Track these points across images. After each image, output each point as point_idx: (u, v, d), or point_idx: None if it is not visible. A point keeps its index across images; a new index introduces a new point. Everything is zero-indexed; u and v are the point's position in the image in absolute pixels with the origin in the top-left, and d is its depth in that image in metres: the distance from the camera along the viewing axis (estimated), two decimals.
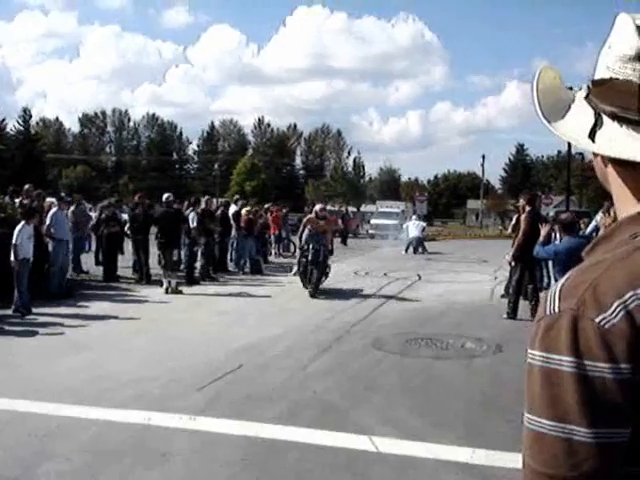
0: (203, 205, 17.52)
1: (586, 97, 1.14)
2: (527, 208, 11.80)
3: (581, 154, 54.89)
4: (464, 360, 8.59)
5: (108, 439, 5.48)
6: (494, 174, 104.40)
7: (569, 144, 31.17)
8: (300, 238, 15.27)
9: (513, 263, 11.42)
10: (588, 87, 1.14)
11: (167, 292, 14.03)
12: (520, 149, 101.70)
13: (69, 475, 4.74)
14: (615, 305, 0.96)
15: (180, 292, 14.15)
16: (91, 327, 10.26)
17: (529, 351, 1.04)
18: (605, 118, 1.09)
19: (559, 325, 0.99)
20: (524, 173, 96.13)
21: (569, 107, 1.16)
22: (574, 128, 1.13)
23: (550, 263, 11.80)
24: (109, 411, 6.09)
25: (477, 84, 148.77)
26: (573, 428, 0.96)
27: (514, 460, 4.82)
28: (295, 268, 15.90)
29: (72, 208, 17.06)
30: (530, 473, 1.01)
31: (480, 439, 5.57)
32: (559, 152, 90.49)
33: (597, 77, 1.12)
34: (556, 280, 7.98)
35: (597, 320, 0.96)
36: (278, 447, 5.32)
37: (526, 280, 11.81)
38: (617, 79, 1.07)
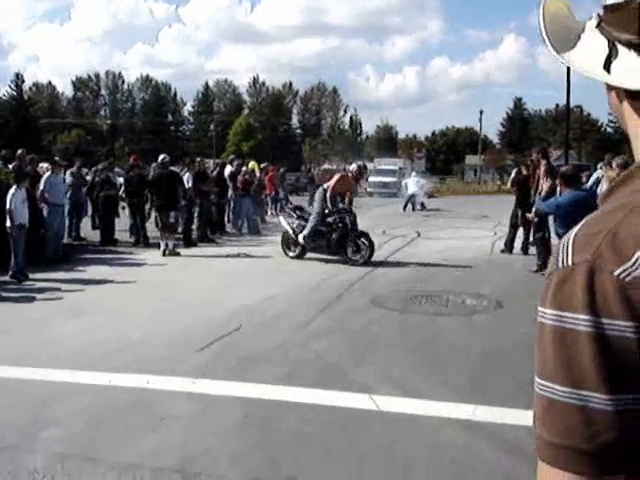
0: (197, 167, 17.38)
1: (598, 25, 1.00)
2: (543, 161, 11.65)
3: (579, 107, 54.65)
4: (465, 316, 8.53)
5: (106, 403, 5.42)
6: (492, 129, 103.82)
7: (568, 97, 30.97)
8: (330, 201, 13.00)
9: (537, 219, 11.05)
10: (599, 15, 1.01)
11: (164, 254, 13.94)
12: (518, 103, 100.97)
13: (67, 441, 4.68)
14: (637, 255, 0.84)
15: (178, 254, 14.06)
16: (88, 291, 10.19)
17: (539, 309, 0.92)
18: (620, 47, 0.96)
19: (573, 279, 0.88)
20: (522, 128, 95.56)
21: (579, 37, 1.04)
22: (586, 59, 1.00)
23: (550, 218, 11.72)
24: (107, 375, 6.02)
25: (474, 38, 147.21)
26: (590, 394, 0.84)
27: (516, 416, 4.81)
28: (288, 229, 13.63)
29: (70, 170, 16.89)
30: (543, 445, 0.90)
31: (482, 395, 5.52)
32: (557, 105, 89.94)
33: (610, 1, 0.99)
34: (557, 235, 7.88)
35: (616, 273, 0.85)
36: (278, 408, 5.27)
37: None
38: (633, 2, 0.95)
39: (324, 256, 13.00)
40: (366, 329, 7.78)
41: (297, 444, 4.61)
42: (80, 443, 4.66)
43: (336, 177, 13.69)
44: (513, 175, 14.34)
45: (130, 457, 4.41)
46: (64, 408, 5.30)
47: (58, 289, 10.27)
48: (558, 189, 9.81)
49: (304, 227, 13.21)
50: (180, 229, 15.85)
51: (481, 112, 75.21)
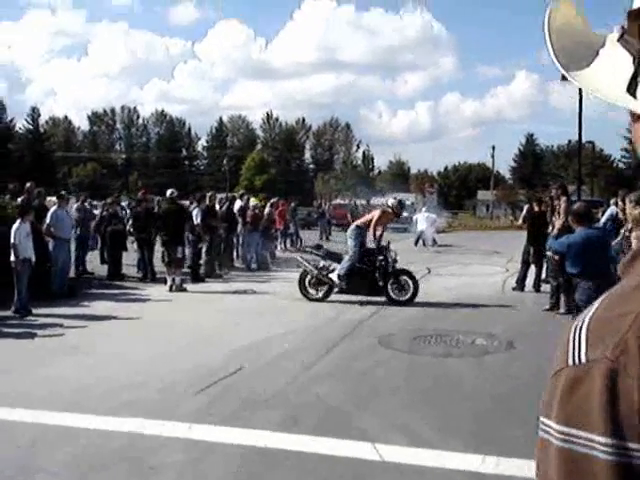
0: (207, 201, 17.26)
1: (620, 38, 0.79)
2: (563, 198, 11.44)
3: (592, 142, 54.44)
4: (475, 357, 8.26)
5: (98, 450, 5.19)
6: (504, 165, 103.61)
7: (580, 132, 30.79)
8: (374, 237, 12.44)
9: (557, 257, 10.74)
10: (622, 27, 0.79)
11: (171, 290, 13.77)
12: (530, 139, 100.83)
13: None
14: None
15: (184, 290, 13.88)
16: (90, 328, 9.99)
17: (542, 420, 0.70)
18: None
19: (588, 384, 0.65)
20: (534, 163, 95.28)
21: (597, 53, 0.82)
22: (605, 79, 0.79)
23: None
24: (100, 418, 5.80)
25: (486, 75, 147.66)
26: None
27: (525, 468, 4.53)
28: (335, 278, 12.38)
29: (76, 205, 16.85)
30: None
31: (491, 445, 5.25)
32: (569, 141, 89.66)
33: (637, 4, 0.79)
34: (570, 275, 7.61)
35: None
36: (276, 457, 5.03)
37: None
38: None
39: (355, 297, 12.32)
40: (372, 372, 7.52)
41: None
42: None
43: (377, 213, 12.86)
44: (524, 212, 14.15)
45: None
46: (53, 454, 5.08)
47: (60, 325, 10.08)
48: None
49: (332, 266, 12.62)
50: (187, 264, 15.67)
51: (493, 148, 75.30)
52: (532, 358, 8.13)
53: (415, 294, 12.15)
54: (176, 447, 5.23)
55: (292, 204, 29.37)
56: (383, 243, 12.68)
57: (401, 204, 13.45)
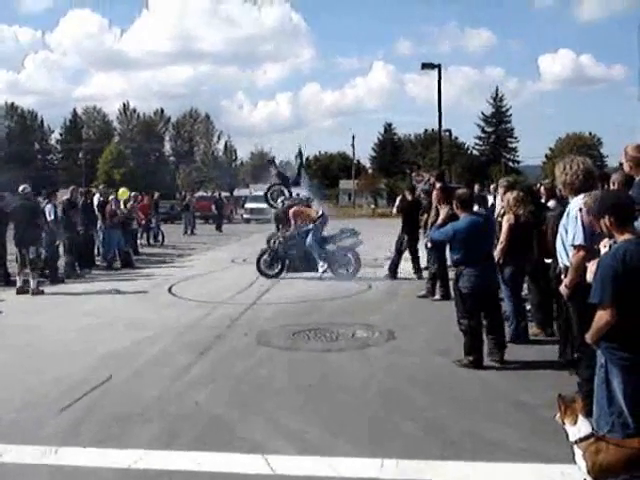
0: (67, 196, 16.21)
1: None
2: (437, 184, 11.39)
3: (449, 130, 56.21)
4: (357, 350, 7.98)
5: None
6: (364, 154, 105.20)
7: (439, 120, 31.54)
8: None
9: (430, 245, 10.68)
10: None
11: (21, 293, 12.70)
12: (388, 128, 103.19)
13: None
14: None
15: (41, 292, 12.83)
16: None
17: None
18: None
19: None
20: (393, 152, 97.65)
21: None
22: None
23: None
24: None
25: (344, 65, 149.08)
26: None
27: (425, 469, 4.26)
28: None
29: None
30: None
31: (388, 445, 4.95)
32: (425, 130, 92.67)
33: None
34: (454, 263, 7.46)
35: None
36: (156, 479, 4.48)
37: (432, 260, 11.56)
38: None
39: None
40: (252, 373, 7.03)
41: None
42: None
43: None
44: (398, 202, 14.08)
45: None
46: None
47: None
48: None
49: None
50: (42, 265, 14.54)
51: (353, 137, 76.73)
52: (414, 348, 7.98)
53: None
54: (41, 475, 4.57)
55: (155, 195, 28.37)
56: None
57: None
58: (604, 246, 4.36)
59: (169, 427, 5.45)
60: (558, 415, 3.87)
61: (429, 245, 10.61)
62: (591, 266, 4.43)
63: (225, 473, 4.56)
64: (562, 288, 5.52)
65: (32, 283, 12.86)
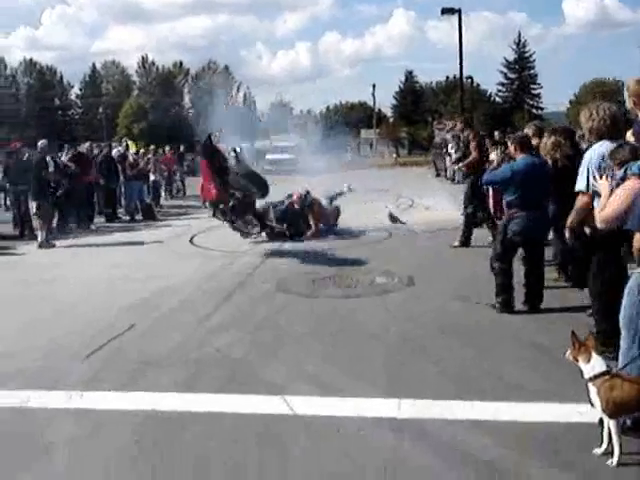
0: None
1: None
2: (467, 132, 11.40)
3: (470, 77, 55.39)
4: (376, 297, 8.03)
5: None
6: (385, 103, 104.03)
7: (461, 67, 31.06)
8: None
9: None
10: None
11: (43, 246, 12.86)
12: (409, 76, 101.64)
13: None
14: None
15: (52, 245, 12.95)
16: None
17: None
18: None
19: None
20: (414, 100, 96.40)
21: None
22: None
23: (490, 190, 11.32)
24: None
25: (364, 13, 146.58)
26: None
27: (442, 411, 4.30)
28: None
29: None
30: None
31: (405, 387, 5.02)
32: (447, 77, 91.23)
33: None
34: (508, 205, 7.33)
35: None
36: (178, 421, 4.58)
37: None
38: None
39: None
40: (273, 319, 7.13)
41: (203, 467, 3.96)
42: None
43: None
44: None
45: None
46: None
47: None
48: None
49: None
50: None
51: (374, 86, 75.55)
52: (433, 294, 8.01)
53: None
54: (68, 419, 4.69)
55: (180, 150, 28.37)
56: None
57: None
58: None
59: (191, 371, 5.55)
60: (569, 352, 3.89)
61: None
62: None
63: (246, 414, 4.65)
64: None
65: (39, 235, 13.02)
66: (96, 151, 18.51)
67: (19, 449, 4.27)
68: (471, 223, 11.21)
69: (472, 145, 11.06)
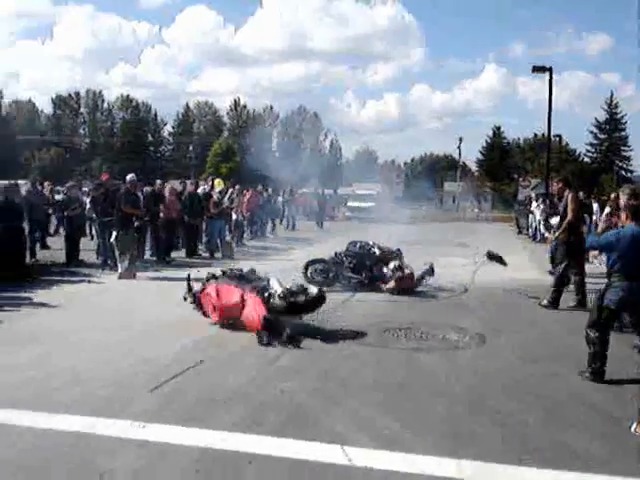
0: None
1: None
2: (567, 192, 11.05)
3: (559, 136, 54.67)
4: (446, 352, 7.91)
5: (40, 452, 4.72)
6: (471, 157, 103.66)
7: (549, 125, 30.73)
8: None
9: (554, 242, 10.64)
10: None
11: (124, 277, 13.27)
12: (497, 132, 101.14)
13: None
14: None
15: (132, 276, 13.36)
16: (36, 317, 9.51)
17: None
18: None
19: None
20: (501, 155, 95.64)
21: None
22: None
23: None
24: (44, 416, 5.36)
25: (455, 67, 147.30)
26: None
27: (503, 474, 4.20)
28: None
29: (25, 189, 16.31)
30: None
31: (467, 447, 4.91)
32: (535, 135, 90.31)
33: None
34: (609, 270, 7.14)
35: None
36: (236, 460, 4.62)
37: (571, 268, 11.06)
38: None
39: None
40: (339, 366, 7.11)
41: None
42: None
43: None
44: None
45: None
46: None
47: (10, 311, 9.57)
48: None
49: None
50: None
51: (460, 139, 75.34)
52: (504, 354, 7.84)
53: None
54: (128, 449, 4.79)
55: (265, 192, 28.76)
56: None
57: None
58: None
59: (253, 412, 5.59)
60: (635, 425, 3.75)
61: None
62: None
63: (304, 460, 4.64)
64: None
65: (119, 266, 13.54)
66: (180, 187, 19.12)
67: (78, 473, 4.38)
68: (562, 284, 10.97)
69: (570, 207, 10.80)
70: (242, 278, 9.43)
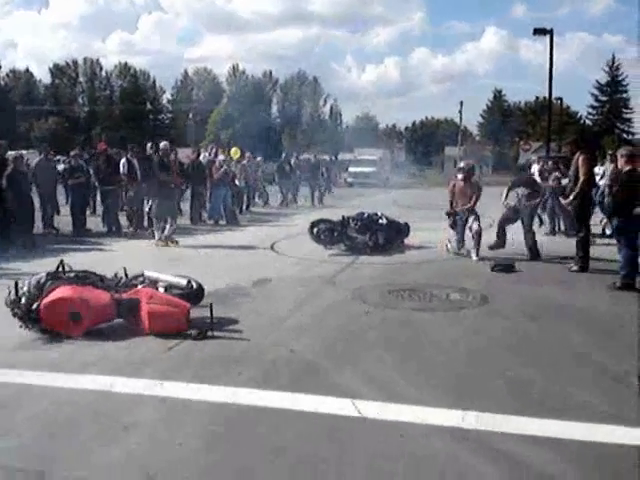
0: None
1: None
2: (579, 153, 10.95)
3: (560, 99, 54.47)
4: (450, 312, 8.13)
5: (65, 409, 4.96)
6: (472, 121, 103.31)
7: (550, 88, 30.68)
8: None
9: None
10: None
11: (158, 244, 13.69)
12: (498, 95, 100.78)
13: (19, 453, 4.25)
14: None
15: (176, 242, 13.78)
16: None
17: None
18: None
19: None
20: (502, 119, 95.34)
21: None
22: None
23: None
24: (68, 376, 5.60)
25: (455, 30, 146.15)
26: None
27: (507, 424, 4.42)
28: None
29: (36, 160, 16.39)
30: None
31: (471, 399, 5.13)
32: (537, 98, 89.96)
33: None
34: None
35: None
36: (251, 414, 4.85)
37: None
38: None
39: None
40: (346, 326, 7.35)
41: (271, 456, 4.20)
42: (33, 455, 4.22)
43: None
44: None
45: (88, 471, 3.99)
46: (17, 414, 4.84)
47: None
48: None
49: None
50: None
51: (461, 103, 74.82)
52: (507, 313, 8.05)
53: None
54: (148, 406, 5.02)
55: (257, 159, 28.80)
56: None
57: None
58: None
59: (265, 370, 5.82)
60: None
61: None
62: None
63: (314, 413, 4.87)
64: None
65: (156, 235, 13.93)
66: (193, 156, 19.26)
67: (102, 427, 4.62)
68: (587, 245, 10.89)
69: (582, 171, 10.64)
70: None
